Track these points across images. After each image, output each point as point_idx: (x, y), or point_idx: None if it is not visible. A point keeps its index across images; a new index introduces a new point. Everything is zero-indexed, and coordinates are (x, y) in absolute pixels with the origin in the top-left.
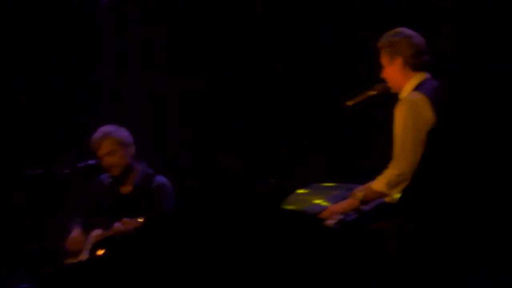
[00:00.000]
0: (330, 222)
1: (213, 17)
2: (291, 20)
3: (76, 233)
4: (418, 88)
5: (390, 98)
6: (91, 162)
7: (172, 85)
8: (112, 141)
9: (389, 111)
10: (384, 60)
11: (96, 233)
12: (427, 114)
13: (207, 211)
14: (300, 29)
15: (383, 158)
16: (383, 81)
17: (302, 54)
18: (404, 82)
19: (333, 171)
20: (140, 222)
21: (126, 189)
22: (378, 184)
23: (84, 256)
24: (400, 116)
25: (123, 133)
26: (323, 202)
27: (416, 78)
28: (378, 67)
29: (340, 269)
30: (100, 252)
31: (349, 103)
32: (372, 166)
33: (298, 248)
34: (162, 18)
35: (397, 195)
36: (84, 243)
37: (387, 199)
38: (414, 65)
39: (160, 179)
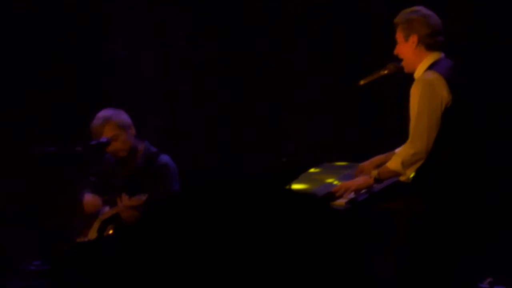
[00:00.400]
0: (342, 201)
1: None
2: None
3: (89, 196)
4: (432, 67)
5: (403, 78)
6: (103, 140)
7: (186, 60)
8: (113, 126)
9: (402, 90)
10: (399, 36)
11: (104, 210)
12: (443, 93)
13: (213, 197)
14: (312, 5)
15: (395, 137)
16: (395, 60)
17: (315, 31)
18: (418, 61)
19: (345, 150)
20: (143, 199)
21: (131, 169)
22: (393, 163)
23: (93, 234)
24: (416, 96)
25: (122, 116)
26: (335, 181)
27: (431, 58)
28: (391, 46)
29: (348, 253)
30: (109, 230)
31: (362, 82)
32: (384, 146)
33: (305, 232)
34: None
35: (411, 175)
36: (100, 204)
37: (401, 178)
38: (429, 45)
39: (164, 158)
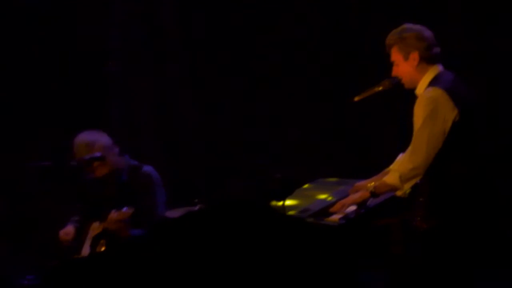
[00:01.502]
0: (336, 217)
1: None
2: (302, 19)
3: (68, 228)
4: (434, 82)
5: (399, 94)
6: (97, 154)
7: (182, 76)
8: (97, 149)
9: (396, 107)
10: (397, 57)
11: (95, 225)
12: (448, 109)
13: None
14: (310, 28)
15: (388, 155)
16: (390, 76)
17: (312, 52)
18: (419, 77)
19: (339, 166)
20: (129, 212)
21: (116, 185)
22: (391, 177)
23: (86, 250)
24: (419, 113)
25: (104, 138)
26: (329, 197)
27: (431, 72)
28: (386, 63)
29: (340, 268)
30: (102, 246)
31: (357, 98)
32: (377, 162)
33: (299, 249)
34: (169, 10)
35: (408, 190)
36: (74, 236)
37: (398, 193)
38: (428, 59)
39: (147, 169)
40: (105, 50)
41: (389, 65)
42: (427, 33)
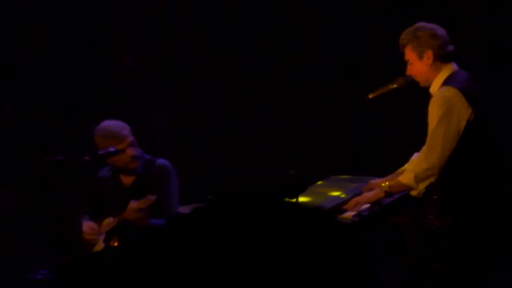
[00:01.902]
0: (349, 214)
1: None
2: (313, 13)
3: (87, 224)
4: (449, 81)
5: (414, 92)
6: (111, 149)
7: (191, 77)
8: (118, 140)
9: (410, 106)
10: (411, 56)
11: (108, 221)
12: (461, 109)
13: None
14: (323, 21)
15: (402, 152)
16: (404, 74)
17: (326, 46)
18: (434, 75)
19: (352, 163)
20: (152, 199)
21: (129, 179)
22: (406, 177)
23: (99, 245)
24: (433, 112)
25: (125, 128)
26: (342, 194)
27: (446, 71)
28: (401, 60)
29: (352, 265)
30: (115, 241)
31: (371, 96)
32: (391, 160)
33: (312, 244)
34: (183, 5)
35: (423, 190)
36: (99, 231)
37: (413, 193)
38: (443, 57)
39: (161, 161)
40: (119, 46)
41: (403, 63)
42: (441, 31)
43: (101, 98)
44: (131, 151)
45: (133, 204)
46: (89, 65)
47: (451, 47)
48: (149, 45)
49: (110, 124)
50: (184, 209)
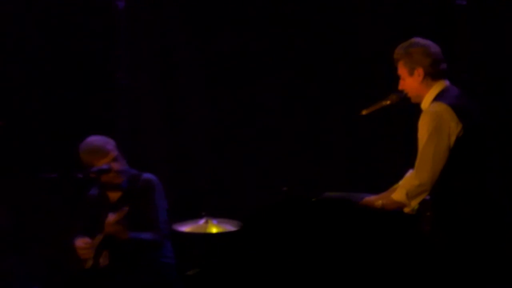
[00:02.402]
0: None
1: (230, 10)
2: (306, 28)
3: (81, 240)
4: (439, 97)
5: (405, 108)
6: (104, 167)
7: (189, 87)
8: (105, 155)
9: (403, 121)
10: (403, 71)
11: (98, 238)
12: (451, 124)
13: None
14: (316, 38)
15: (395, 169)
16: (397, 90)
17: (317, 63)
18: (424, 92)
19: (345, 180)
20: (125, 211)
21: (116, 194)
22: (398, 194)
23: (90, 262)
24: (423, 128)
25: (111, 144)
26: None
27: (437, 87)
28: (394, 76)
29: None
30: (105, 257)
31: (364, 112)
32: (384, 177)
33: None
34: (177, 22)
35: (416, 206)
36: (91, 245)
37: (406, 210)
38: (434, 74)
39: (147, 175)
40: (114, 61)
41: (396, 78)
42: (434, 49)
43: (94, 115)
44: (115, 166)
45: (110, 218)
46: (82, 81)
47: (443, 65)
48: (143, 61)
49: (93, 139)
50: (179, 226)
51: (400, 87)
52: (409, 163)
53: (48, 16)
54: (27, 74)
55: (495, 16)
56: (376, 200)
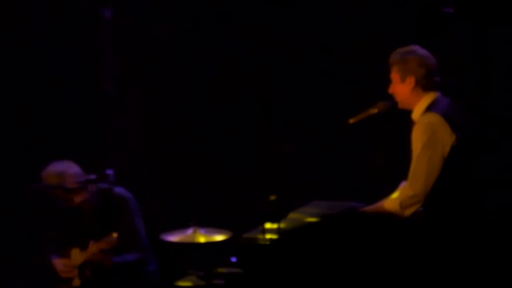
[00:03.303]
0: None
1: (217, 22)
2: (296, 35)
3: (59, 262)
4: (431, 107)
5: (395, 117)
6: (92, 177)
7: (175, 98)
8: (69, 181)
9: (393, 130)
10: (395, 77)
11: (75, 253)
12: (444, 135)
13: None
14: (303, 46)
15: (384, 177)
16: (385, 99)
17: (306, 71)
18: (415, 101)
19: (335, 188)
20: (113, 240)
21: (84, 208)
22: (391, 204)
23: (76, 280)
24: (417, 139)
25: (74, 168)
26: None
27: (428, 98)
28: (382, 83)
29: None
30: (89, 273)
31: (351, 121)
32: (373, 184)
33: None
34: (164, 31)
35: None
36: (72, 264)
37: None
38: (425, 86)
39: (119, 190)
40: (99, 70)
41: (384, 86)
42: (430, 60)
43: (80, 124)
44: (77, 199)
45: (94, 247)
46: (68, 91)
47: (437, 78)
48: (130, 71)
49: (57, 164)
50: (167, 236)
51: (390, 90)
52: (399, 171)
53: (35, 24)
54: (12, 83)
55: (482, 24)
56: (370, 210)
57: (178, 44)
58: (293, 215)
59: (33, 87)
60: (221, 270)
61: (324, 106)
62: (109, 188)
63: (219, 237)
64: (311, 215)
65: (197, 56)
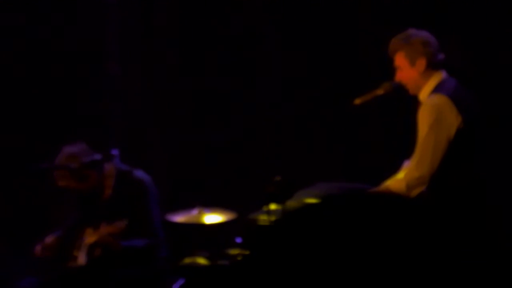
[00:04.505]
0: None
1: (218, 13)
2: (299, 17)
3: (50, 239)
4: (438, 89)
5: (402, 98)
6: (96, 157)
7: (177, 82)
8: (76, 160)
9: (398, 111)
10: (403, 62)
11: (89, 232)
12: (452, 116)
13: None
14: (309, 27)
15: (389, 158)
16: (391, 79)
17: (310, 52)
18: (424, 83)
19: (339, 169)
20: (122, 226)
21: (106, 193)
22: (397, 184)
23: (82, 258)
24: (423, 120)
25: (86, 152)
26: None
27: (435, 78)
28: (388, 66)
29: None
30: (97, 253)
31: (357, 101)
32: (378, 165)
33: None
34: (166, 15)
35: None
36: (57, 249)
37: None
38: (435, 65)
39: (138, 174)
40: (103, 52)
41: (391, 68)
42: (432, 39)
43: (85, 107)
44: (91, 179)
45: (104, 229)
46: (73, 74)
47: (441, 55)
48: (135, 54)
49: (67, 152)
50: (172, 217)
51: (397, 78)
52: (402, 153)
53: (39, 8)
54: (15, 67)
55: (488, 7)
56: (375, 191)
57: (182, 25)
58: (298, 197)
59: (37, 70)
60: (233, 251)
61: (330, 87)
62: (129, 170)
63: (224, 218)
64: (316, 197)
65: (203, 36)
